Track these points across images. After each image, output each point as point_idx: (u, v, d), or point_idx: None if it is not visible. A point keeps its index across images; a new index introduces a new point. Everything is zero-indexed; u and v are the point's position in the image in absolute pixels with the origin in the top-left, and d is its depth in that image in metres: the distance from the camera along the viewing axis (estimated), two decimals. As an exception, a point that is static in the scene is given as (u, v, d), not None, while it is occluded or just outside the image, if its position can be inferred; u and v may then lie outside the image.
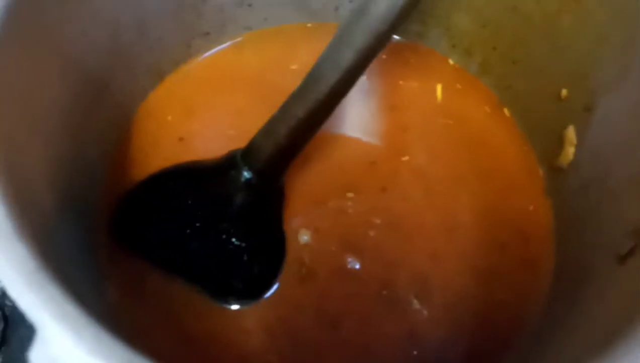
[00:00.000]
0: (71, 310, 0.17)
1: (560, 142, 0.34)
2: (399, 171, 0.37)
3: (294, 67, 0.39)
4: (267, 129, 0.31)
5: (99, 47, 0.32)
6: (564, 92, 0.34)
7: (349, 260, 0.34)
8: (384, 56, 0.41)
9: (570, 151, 0.34)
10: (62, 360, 0.16)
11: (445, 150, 0.38)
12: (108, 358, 0.16)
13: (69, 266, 0.27)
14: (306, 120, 0.30)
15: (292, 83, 0.30)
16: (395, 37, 0.41)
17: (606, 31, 0.31)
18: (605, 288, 0.27)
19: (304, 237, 0.34)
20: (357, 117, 0.39)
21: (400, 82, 0.40)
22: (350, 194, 0.36)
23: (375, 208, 0.35)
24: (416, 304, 0.33)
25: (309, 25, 0.42)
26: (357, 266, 0.34)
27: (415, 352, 0.32)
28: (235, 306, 0.32)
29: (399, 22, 0.27)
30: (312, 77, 0.29)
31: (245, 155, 0.32)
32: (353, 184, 0.36)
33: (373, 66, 0.40)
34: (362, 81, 0.40)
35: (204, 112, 0.38)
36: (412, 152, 0.37)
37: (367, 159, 0.37)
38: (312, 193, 0.36)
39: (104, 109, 0.34)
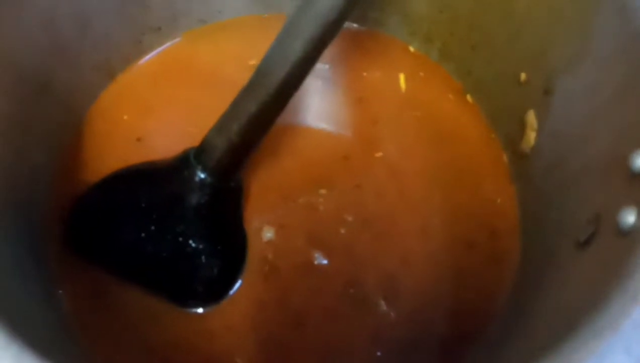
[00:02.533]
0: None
1: (522, 126, 0.34)
2: (373, 167, 0.36)
3: (251, 61, 0.38)
4: (219, 127, 0.30)
5: (35, 43, 0.30)
6: (523, 76, 0.34)
7: (316, 255, 0.33)
8: (345, 45, 0.40)
9: (531, 136, 0.33)
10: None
11: (415, 145, 0.37)
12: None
13: (13, 278, 0.26)
14: (258, 116, 0.29)
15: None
16: (354, 25, 0.41)
17: (561, 11, 0.30)
18: (568, 274, 0.27)
19: (268, 234, 0.34)
20: (326, 110, 0.38)
21: (364, 73, 0.40)
22: (322, 191, 0.35)
23: (349, 205, 0.35)
24: (383, 305, 0.32)
25: (265, 16, 0.41)
26: (324, 262, 0.33)
27: (379, 353, 0.31)
28: (197, 309, 0.32)
29: (348, 10, 0.27)
30: (261, 71, 0.28)
31: (198, 154, 0.31)
32: (326, 180, 0.35)
33: (336, 57, 0.40)
34: (327, 72, 0.39)
35: (161, 109, 0.37)
36: (384, 147, 0.37)
37: (339, 154, 0.36)
38: (280, 188, 0.35)
39: (48, 111, 0.32)
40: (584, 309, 0.20)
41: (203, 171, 0.31)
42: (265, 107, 0.29)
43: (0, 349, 0.15)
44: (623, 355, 0.16)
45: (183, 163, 0.31)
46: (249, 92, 0.29)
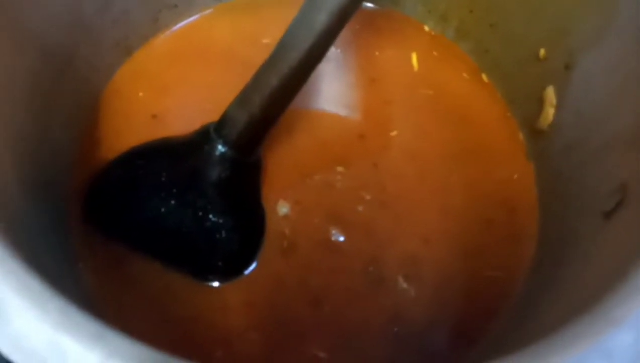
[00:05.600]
0: (34, 283, 0.16)
1: (540, 104, 0.34)
2: (388, 146, 0.36)
3: (265, 40, 0.38)
4: (241, 100, 0.30)
5: (58, 20, 0.30)
6: (542, 52, 0.34)
7: (334, 232, 0.33)
8: (357, 26, 0.40)
9: (550, 112, 0.33)
10: (25, 337, 0.15)
11: (429, 123, 0.37)
12: (76, 333, 0.15)
13: (41, 250, 0.26)
14: (280, 88, 0.29)
15: (265, 56, 0.29)
16: (369, 5, 0.40)
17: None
18: (591, 247, 0.27)
19: (283, 209, 0.34)
20: (338, 92, 0.38)
21: (377, 53, 0.40)
22: (340, 169, 0.35)
23: (366, 183, 0.35)
24: (403, 284, 0.32)
25: (280, -5, 0.41)
26: (342, 239, 0.33)
27: (398, 331, 0.31)
28: (216, 284, 0.32)
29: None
30: (285, 44, 0.28)
31: (219, 128, 0.31)
32: (343, 158, 0.35)
33: (348, 38, 0.40)
34: (338, 54, 0.39)
35: (176, 87, 0.37)
36: (399, 127, 0.37)
37: (355, 133, 0.36)
38: (297, 166, 0.35)
39: (69, 87, 0.32)
40: (610, 278, 0.20)
41: (224, 145, 0.31)
42: (288, 80, 0.28)
43: (45, 302, 0.15)
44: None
45: (203, 137, 0.31)
46: (271, 65, 0.29)
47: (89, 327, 0.15)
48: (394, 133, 0.37)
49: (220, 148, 0.31)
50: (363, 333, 0.31)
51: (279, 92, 0.29)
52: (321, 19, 0.27)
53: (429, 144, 0.36)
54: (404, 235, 0.33)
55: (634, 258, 0.19)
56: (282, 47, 0.28)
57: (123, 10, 0.35)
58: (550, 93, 0.33)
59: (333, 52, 0.39)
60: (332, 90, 0.38)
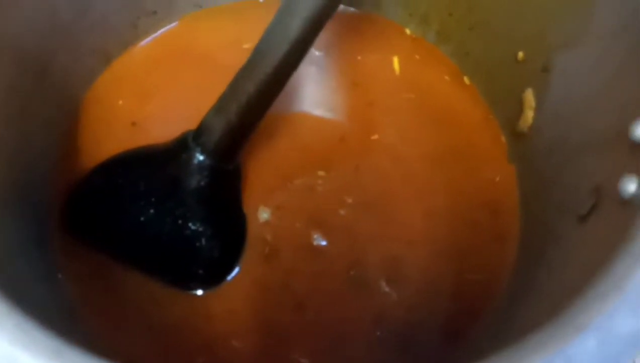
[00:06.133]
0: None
1: (520, 106, 0.34)
2: (370, 149, 0.36)
3: (246, 45, 0.38)
4: (218, 108, 0.30)
5: (35, 25, 0.30)
6: (521, 54, 0.34)
7: (315, 236, 0.33)
8: (339, 30, 0.40)
9: (529, 115, 0.33)
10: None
11: (412, 126, 0.37)
12: (33, 349, 0.15)
13: (19, 260, 0.26)
14: (257, 95, 0.29)
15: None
16: (351, 8, 0.40)
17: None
18: (570, 248, 0.27)
19: (264, 215, 0.34)
20: (320, 96, 0.38)
21: (359, 57, 0.39)
22: (321, 173, 0.35)
23: (348, 187, 0.35)
24: (385, 287, 0.32)
25: (261, 0, 0.41)
26: (324, 243, 0.33)
27: (381, 335, 0.31)
28: (198, 292, 0.32)
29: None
30: (260, 51, 0.28)
31: (197, 136, 0.31)
32: (324, 162, 0.35)
33: (330, 41, 0.40)
34: (320, 58, 0.39)
35: (156, 94, 0.37)
36: (381, 129, 0.37)
37: (336, 137, 0.36)
38: (278, 170, 0.35)
39: (47, 94, 0.32)
40: (588, 277, 0.20)
41: (202, 153, 0.30)
42: (264, 88, 0.28)
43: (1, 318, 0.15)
44: (630, 316, 0.16)
45: (181, 145, 0.31)
46: (247, 72, 0.29)
47: (47, 342, 0.15)
48: (375, 136, 0.37)
49: (198, 156, 0.30)
50: (347, 337, 0.31)
51: (255, 99, 0.29)
52: (296, 25, 0.27)
53: (411, 147, 0.36)
54: (386, 238, 0.33)
55: (602, 263, 0.19)
56: (257, 53, 0.28)
57: (101, 17, 0.35)
58: (529, 96, 0.33)
59: (315, 55, 0.39)
60: (314, 93, 0.38)
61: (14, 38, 0.29)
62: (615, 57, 0.27)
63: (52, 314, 0.26)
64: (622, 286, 0.17)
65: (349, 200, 0.34)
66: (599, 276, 0.19)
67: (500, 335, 0.28)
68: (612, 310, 0.17)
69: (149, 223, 0.31)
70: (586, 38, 0.29)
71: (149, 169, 0.32)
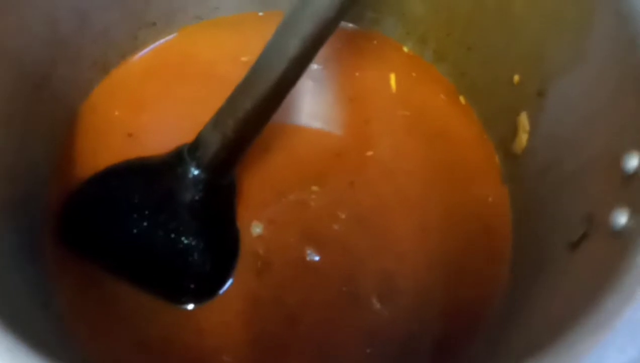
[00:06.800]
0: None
1: (514, 128, 0.34)
2: (365, 165, 0.36)
3: (244, 58, 0.38)
4: (214, 123, 0.30)
5: (35, 38, 0.30)
6: (516, 78, 0.34)
7: (308, 251, 0.33)
8: (338, 46, 0.40)
9: (523, 138, 0.33)
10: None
11: (407, 143, 0.37)
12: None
13: (11, 269, 0.26)
14: (254, 112, 0.29)
15: (243, 74, 0.29)
16: (350, 24, 0.41)
17: (559, 13, 0.30)
18: (560, 274, 0.27)
19: (257, 229, 0.34)
20: (317, 110, 0.38)
21: (357, 73, 0.40)
22: (314, 188, 0.35)
23: (342, 202, 0.35)
24: (377, 304, 0.32)
25: (261, 14, 0.41)
26: (317, 258, 0.33)
27: (371, 352, 0.31)
28: (190, 306, 0.32)
29: (345, 8, 0.27)
30: (258, 68, 0.28)
31: (192, 150, 0.31)
32: (318, 177, 0.35)
33: (329, 57, 0.40)
34: (320, 72, 0.39)
35: (153, 105, 0.37)
36: (376, 145, 0.37)
37: (331, 152, 0.37)
38: (272, 184, 0.35)
39: (46, 104, 0.32)
40: (578, 309, 0.21)
41: (197, 167, 0.30)
42: (261, 104, 0.29)
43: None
44: (617, 354, 0.17)
45: (177, 159, 0.31)
46: (245, 88, 0.29)
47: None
48: (370, 152, 0.37)
49: (194, 170, 0.31)
50: (339, 353, 0.31)
51: (252, 115, 0.29)
52: (294, 44, 0.27)
53: (406, 164, 0.37)
54: (379, 254, 0.34)
55: (591, 298, 0.19)
56: (255, 70, 0.29)
57: (102, 29, 0.35)
58: (523, 119, 0.33)
59: (313, 69, 0.39)
60: (311, 107, 0.38)
61: (13, 49, 0.29)
62: (608, 85, 0.27)
63: (43, 329, 0.26)
64: (610, 325, 0.17)
65: (343, 215, 0.34)
66: (588, 311, 0.19)
67: (494, 357, 0.28)
68: (600, 349, 0.17)
69: (142, 235, 0.31)
70: (580, 64, 0.29)
71: (144, 182, 0.32)
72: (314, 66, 0.39)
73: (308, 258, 0.33)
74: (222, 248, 0.33)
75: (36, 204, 0.32)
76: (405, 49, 0.40)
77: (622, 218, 0.22)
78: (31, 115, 0.31)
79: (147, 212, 0.31)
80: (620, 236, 0.22)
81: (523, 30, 0.33)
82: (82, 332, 0.30)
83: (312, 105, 0.39)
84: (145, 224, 0.31)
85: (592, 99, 0.29)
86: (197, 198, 0.31)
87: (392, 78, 0.39)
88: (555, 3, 0.31)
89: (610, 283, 0.19)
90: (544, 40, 0.32)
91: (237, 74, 0.29)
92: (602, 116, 0.28)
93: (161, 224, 0.31)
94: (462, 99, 0.39)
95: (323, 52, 0.29)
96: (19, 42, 0.30)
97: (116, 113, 0.36)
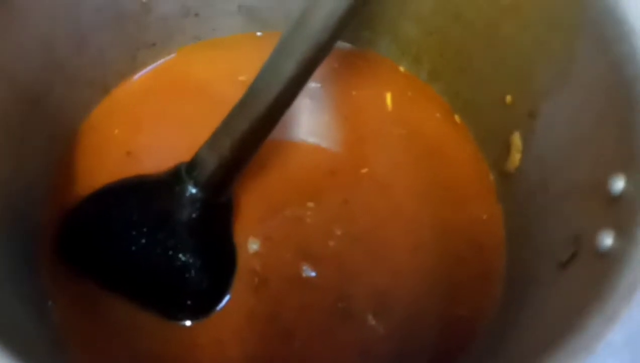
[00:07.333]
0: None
1: (508, 148, 0.35)
2: (360, 183, 0.37)
3: (241, 77, 0.38)
4: (211, 143, 0.31)
5: (32, 60, 0.31)
6: (509, 98, 0.34)
7: (304, 268, 0.34)
8: (335, 65, 0.41)
9: (516, 157, 0.34)
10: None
11: (402, 162, 0.38)
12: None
13: (5, 289, 0.26)
14: (250, 133, 0.29)
15: (241, 94, 0.29)
16: (347, 44, 0.41)
17: (545, 38, 0.31)
18: (549, 293, 0.27)
19: (253, 246, 0.34)
20: (312, 128, 0.39)
21: (354, 92, 0.40)
22: (310, 204, 0.35)
23: (337, 219, 0.35)
24: (372, 320, 0.32)
25: (259, 34, 0.41)
26: (313, 274, 0.33)
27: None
28: (187, 322, 0.32)
29: (339, 31, 0.27)
30: (254, 89, 0.29)
31: (190, 169, 0.31)
32: (314, 194, 0.36)
33: (327, 75, 0.41)
34: (317, 90, 0.40)
35: (152, 124, 0.38)
36: (371, 163, 0.37)
37: (327, 169, 0.37)
38: (267, 201, 0.35)
39: (43, 123, 0.33)
40: (562, 329, 0.21)
41: (194, 186, 0.31)
42: (258, 125, 0.29)
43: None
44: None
45: (174, 178, 0.32)
46: (241, 109, 0.29)
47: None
48: (365, 170, 0.37)
49: (191, 189, 0.31)
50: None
51: (249, 135, 0.29)
52: (290, 66, 0.27)
53: (401, 182, 0.37)
54: (374, 270, 0.34)
55: (575, 320, 0.20)
56: (252, 91, 0.29)
57: (99, 50, 0.35)
58: (516, 139, 0.34)
59: (310, 87, 0.40)
60: (307, 125, 0.39)
61: (10, 72, 0.29)
62: (594, 108, 0.28)
63: (38, 345, 0.27)
64: (592, 348, 0.18)
65: (338, 232, 0.35)
66: (570, 334, 0.19)
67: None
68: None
69: (140, 252, 0.32)
70: (567, 87, 0.30)
71: (142, 200, 0.33)
72: (311, 84, 0.40)
73: (304, 274, 0.33)
74: (219, 265, 0.33)
75: (33, 222, 0.32)
76: (401, 68, 0.41)
77: (607, 240, 0.22)
78: (27, 133, 0.32)
79: (144, 230, 0.32)
80: (606, 257, 0.22)
81: (512, 51, 0.33)
82: (78, 348, 0.31)
83: (309, 123, 0.39)
84: (143, 241, 0.32)
85: (578, 123, 0.29)
86: (194, 216, 0.31)
87: (388, 97, 0.40)
88: (541, 26, 0.31)
89: (594, 304, 0.20)
90: (529, 63, 0.32)
91: (234, 94, 0.30)
92: (588, 139, 0.28)
93: (159, 242, 0.32)
94: (457, 118, 0.39)
95: (320, 71, 0.29)
96: (15, 64, 0.30)
97: (115, 132, 0.37)
